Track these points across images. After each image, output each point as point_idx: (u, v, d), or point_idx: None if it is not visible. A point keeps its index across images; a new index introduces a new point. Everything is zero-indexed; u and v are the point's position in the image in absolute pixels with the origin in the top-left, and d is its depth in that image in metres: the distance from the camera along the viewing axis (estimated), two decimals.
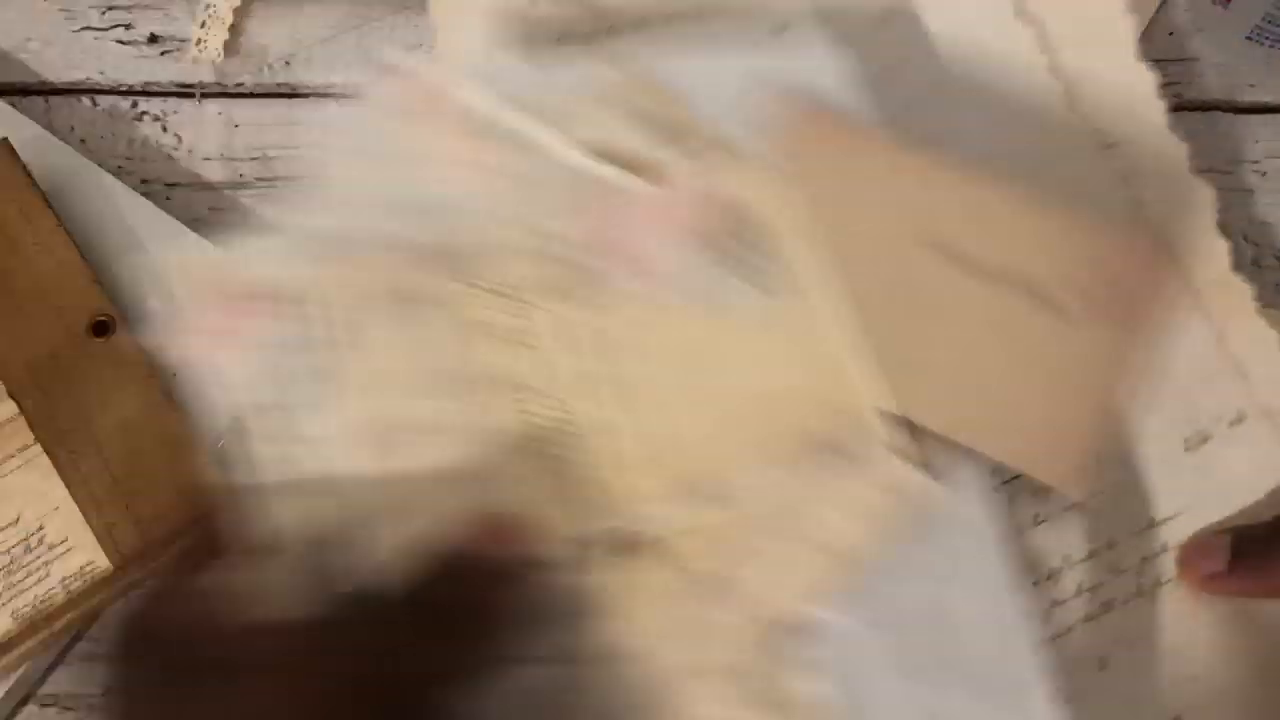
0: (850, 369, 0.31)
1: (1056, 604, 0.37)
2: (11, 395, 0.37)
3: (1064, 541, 0.38)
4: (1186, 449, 0.38)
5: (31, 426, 0.37)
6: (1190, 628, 0.37)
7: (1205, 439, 0.38)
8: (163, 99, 0.45)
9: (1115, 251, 0.32)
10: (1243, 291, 0.40)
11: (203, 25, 0.45)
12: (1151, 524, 0.38)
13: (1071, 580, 0.37)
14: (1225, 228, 0.41)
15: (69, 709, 0.39)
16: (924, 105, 0.39)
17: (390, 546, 0.28)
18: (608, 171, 0.33)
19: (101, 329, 0.38)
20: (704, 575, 0.30)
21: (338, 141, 0.34)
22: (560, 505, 0.31)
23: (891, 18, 0.41)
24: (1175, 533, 0.38)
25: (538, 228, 0.32)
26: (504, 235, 0.32)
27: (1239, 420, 0.38)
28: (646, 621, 0.30)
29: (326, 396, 0.31)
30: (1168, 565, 0.38)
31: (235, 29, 0.46)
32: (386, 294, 0.32)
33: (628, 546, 0.30)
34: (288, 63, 0.46)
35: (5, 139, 0.40)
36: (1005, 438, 0.32)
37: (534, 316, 0.32)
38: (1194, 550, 0.37)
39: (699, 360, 0.32)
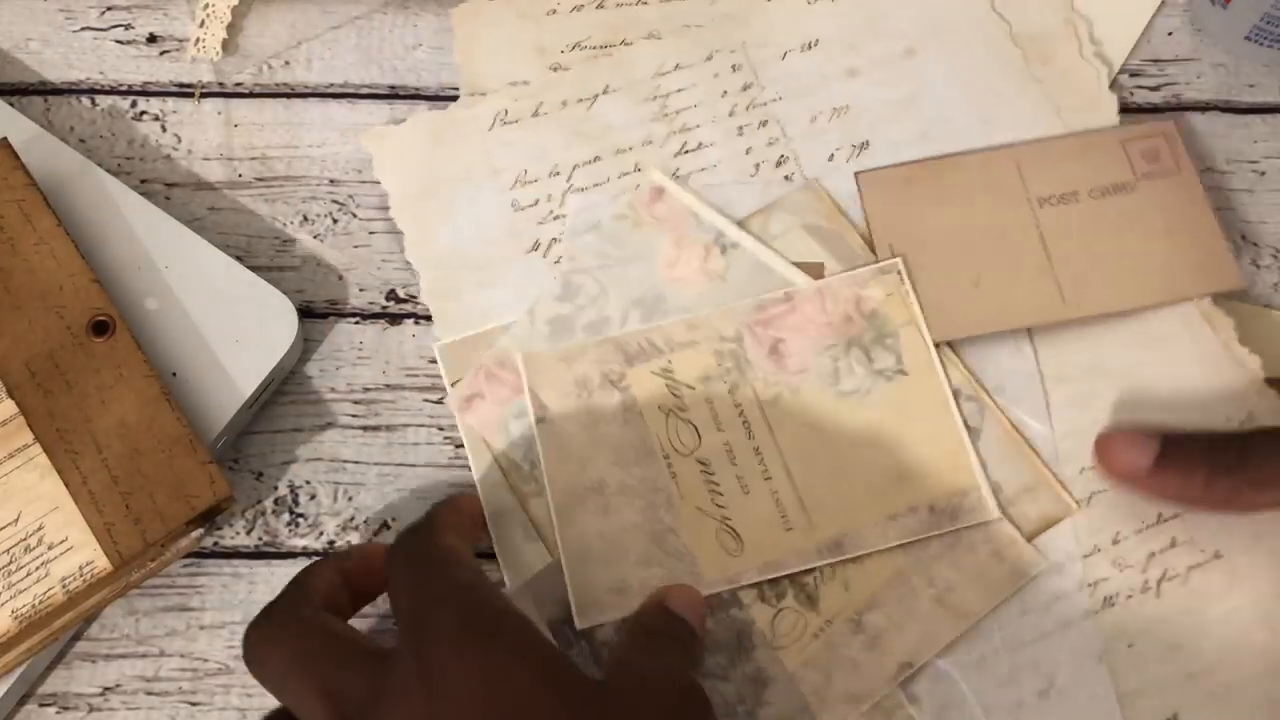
0: (961, 447, 0.39)
1: (1058, 598, 0.37)
2: (11, 395, 0.37)
3: (1068, 536, 0.38)
4: None
5: (31, 426, 0.37)
6: (1192, 625, 0.37)
7: None
8: (162, 99, 0.45)
9: (1138, 136, 0.42)
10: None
11: (201, 24, 0.45)
12: (1158, 519, 0.38)
13: (1074, 575, 0.37)
14: (1225, 227, 0.41)
15: (69, 708, 0.39)
16: (935, 131, 0.44)
17: (603, 586, 0.38)
18: (786, 270, 0.41)
19: (101, 329, 0.38)
20: (838, 617, 0.37)
21: (590, 241, 0.42)
22: (719, 554, 0.38)
23: (916, 51, 0.44)
24: (1181, 530, 0.38)
25: (714, 327, 0.40)
26: (690, 333, 0.40)
27: (1249, 421, 0.38)
28: (791, 653, 0.37)
29: (546, 459, 0.39)
30: (1173, 562, 0.38)
31: (234, 28, 0.46)
32: (598, 375, 0.40)
33: (778, 592, 0.38)
34: (287, 63, 0.46)
35: (5, 139, 0.40)
36: (1161, 286, 0.40)
37: (690, 397, 0.40)
38: (1119, 441, 0.36)
39: (829, 435, 0.39)
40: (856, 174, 0.42)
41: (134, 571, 0.38)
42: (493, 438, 0.40)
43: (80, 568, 0.36)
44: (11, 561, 0.36)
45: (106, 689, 0.39)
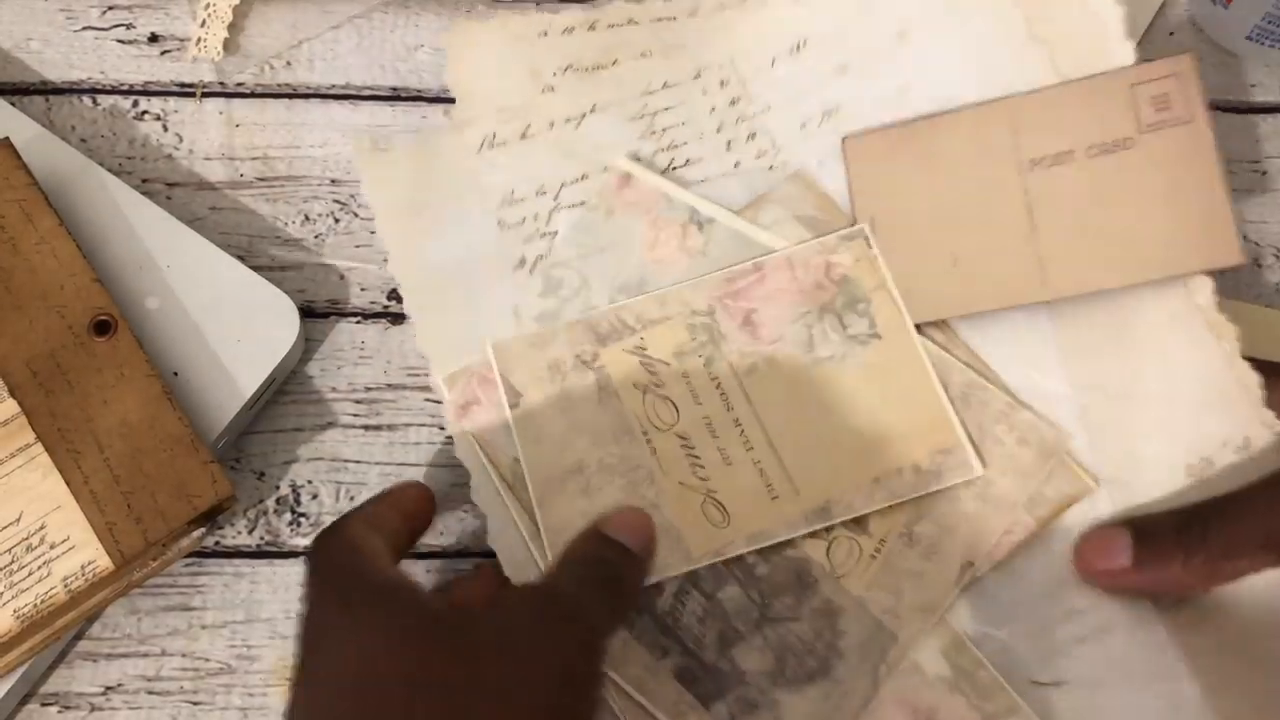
0: (940, 406, 0.38)
1: (1046, 628, 0.37)
2: (12, 394, 0.37)
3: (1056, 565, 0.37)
4: (1188, 475, 0.37)
5: (32, 425, 0.37)
6: (1184, 654, 0.36)
7: (1209, 465, 0.37)
8: (163, 98, 0.45)
9: (1149, 78, 0.38)
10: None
11: (203, 24, 0.45)
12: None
13: (1063, 604, 0.37)
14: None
15: (71, 707, 0.39)
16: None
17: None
18: (765, 238, 0.41)
19: (102, 328, 0.38)
20: (889, 534, 0.38)
21: (565, 235, 0.42)
22: (705, 527, 0.38)
23: (908, 34, 0.43)
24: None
25: (684, 301, 0.40)
26: (661, 309, 0.40)
27: (1244, 446, 0.37)
28: (853, 579, 0.38)
29: (523, 445, 0.39)
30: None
31: (235, 28, 0.46)
32: (570, 358, 0.40)
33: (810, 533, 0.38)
34: (288, 62, 0.46)
35: (5, 139, 0.40)
36: (1153, 260, 0.37)
37: (666, 370, 0.40)
38: (1094, 545, 0.36)
39: (808, 402, 0.39)
40: (843, 139, 0.41)
41: (136, 571, 0.38)
42: (492, 443, 0.39)
43: (82, 567, 0.36)
44: (13, 561, 0.36)
45: (108, 688, 0.39)
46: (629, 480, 0.38)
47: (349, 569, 0.32)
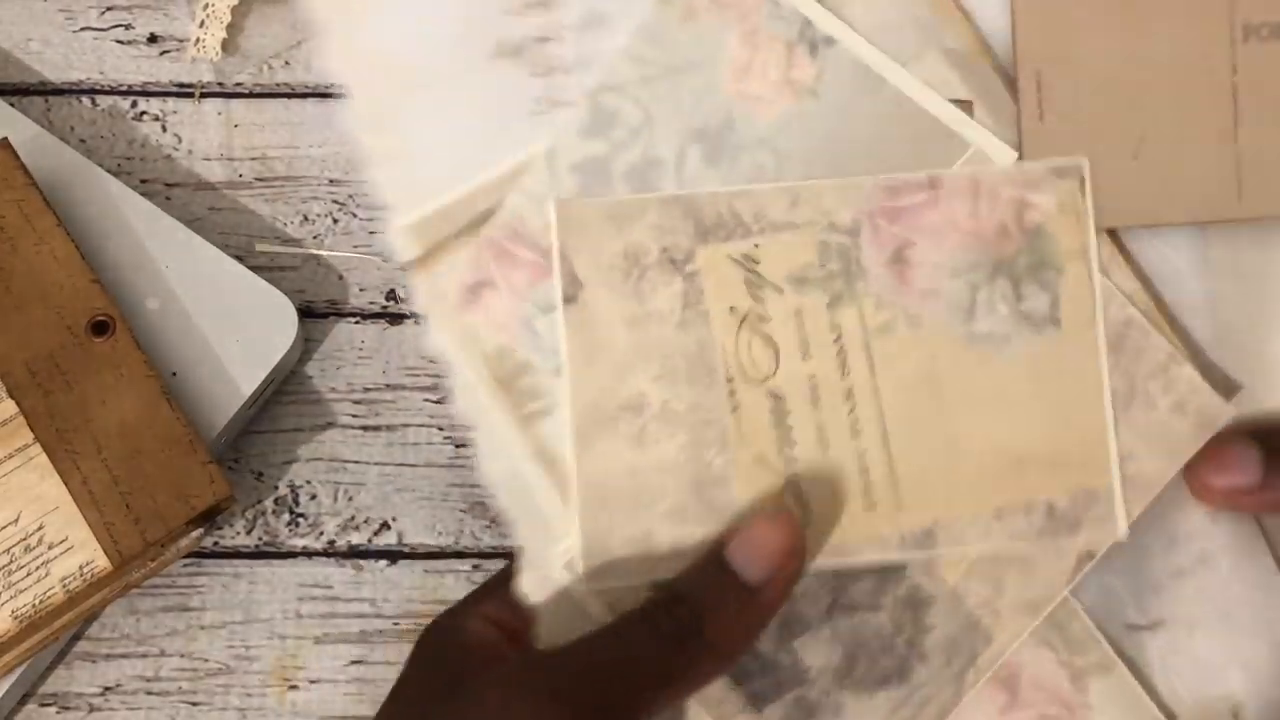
0: (1103, 437, 0.30)
1: (1144, 561, 0.32)
2: (11, 395, 0.37)
3: None
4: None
5: (31, 426, 0.37)
6: None
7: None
8: (162, 99, 0.45)
9: None
10: None
11: (201, 25, 0.45)
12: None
13: (1165, 530, 0.32)
14: None
15: (69, 708, 0.39)
16: None
17: (621, 537, 0.29)
18: (911, 87, 0.30)
19: (101, 329, 0.38)
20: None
21: (622, 44, 0.30)
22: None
23: None
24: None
25: (823, 206, 0.29)
26: (790, 210, 0.29)
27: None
28: (950, 564, 0.30)
29: (572, 356, 0.29)
30: None
31: (234, 28, 0.46)
32: (656, 249, 0.29)
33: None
34: (287, 62, 0.46)
35: (5, 139, 0.40)
36: None
37: (776, 301, 0.30)
38: (1214, 461, 0.30)
39: (945, 390, 0.30)
40: None
41: (134, 571, 0.38)
42: (509, 345, 0.30)
43: (80, 567, 0.36)
44: (11, 561, 0.36)
45: (107, 689, 0.39)
46: (694, 439, 0.29)
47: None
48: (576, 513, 0.29)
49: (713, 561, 0.28)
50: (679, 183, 0.30)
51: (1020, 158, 0.30)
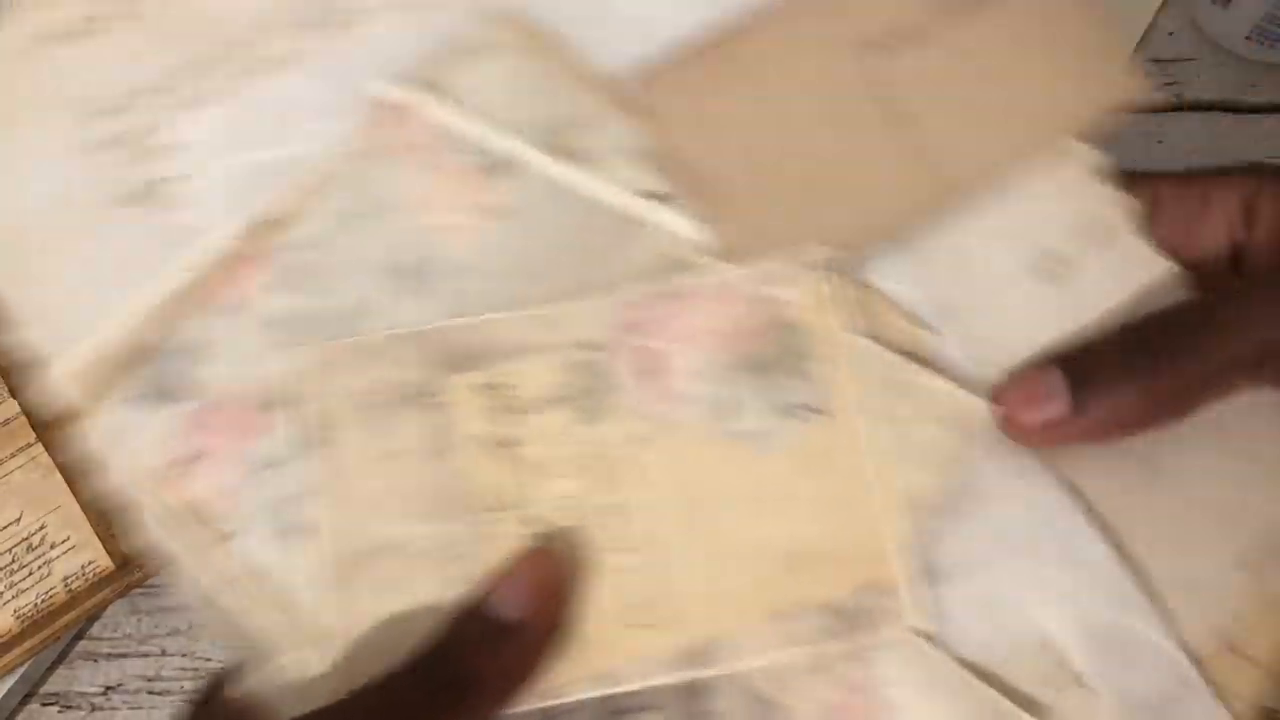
0: (887, 523, 0.28)
1: None
2: (13, 395, 0.37)
3: None
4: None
5: (33, 425, 0.37)
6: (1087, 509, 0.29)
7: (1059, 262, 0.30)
8: None
9: None
10: None
11: None
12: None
13: None
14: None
15: (71, 707, 0.39)
16: None
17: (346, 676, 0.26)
18: (608, 191, 0.29)
19: None
20: None
21: (319, 200, 0.29)
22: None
23: None
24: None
25: (569, 326, 0.29)
26: (534, 332, 0.29)
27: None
28: None
29: (326, 501, 0.28)
30: None
31: None
32: (367, 391, 0.28)
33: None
34: None
35: None
36: (1048, 121, 0.30)
37: (526, 424, 0.28)
38: (1018, 395, 0.28)
39: (709, 494, 0.28)
40: (640, 82, 0.30)
41: (136, 571, 0.38)
42: (234, 512, 0.27)
43: (82, 567, 0.36)
44: (14, 560, 0.36)
45: (109, 688, 0.39)
46: (444, 577, 0.27)
47: None
48: (330, 660, 0.27)
49: (471, 605, 0.26)
50: (393, 322, 0.28)
51: (719, 236, 0.29)
